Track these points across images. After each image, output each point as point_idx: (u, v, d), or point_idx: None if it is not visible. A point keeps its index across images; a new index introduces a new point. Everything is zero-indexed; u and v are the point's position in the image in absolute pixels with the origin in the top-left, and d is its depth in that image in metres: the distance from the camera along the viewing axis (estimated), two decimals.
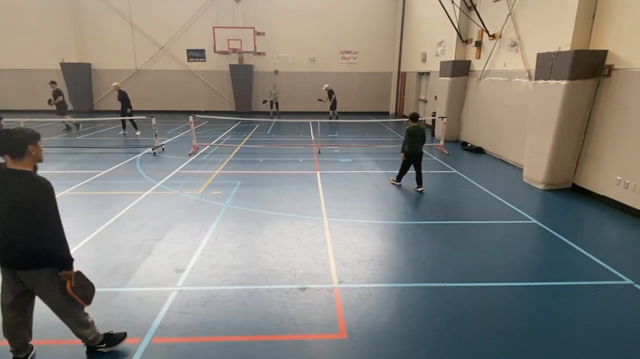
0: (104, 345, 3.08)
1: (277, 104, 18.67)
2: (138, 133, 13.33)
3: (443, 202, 7.24)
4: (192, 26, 19.18)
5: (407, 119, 8.01)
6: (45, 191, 2.51)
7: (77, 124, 14.67)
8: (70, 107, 19.37)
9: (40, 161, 2.64)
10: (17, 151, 2.48)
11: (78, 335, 3.00)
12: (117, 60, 19.31)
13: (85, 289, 2.91)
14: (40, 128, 14.30)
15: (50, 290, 2.74)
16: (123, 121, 13.32)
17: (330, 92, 17.72)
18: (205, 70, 19.87)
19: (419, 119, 7.50)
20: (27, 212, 2.48)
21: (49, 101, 13.78)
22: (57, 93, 13.93)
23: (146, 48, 19.34)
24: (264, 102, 18.58)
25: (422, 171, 7.50)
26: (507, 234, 5.62)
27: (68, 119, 14.27)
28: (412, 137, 7.27)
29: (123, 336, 3.18)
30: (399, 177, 7.80)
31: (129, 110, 13.22)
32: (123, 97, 13.15)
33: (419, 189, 7.48)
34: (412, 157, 7.38)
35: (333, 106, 17.79)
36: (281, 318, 3.57)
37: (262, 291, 4.02)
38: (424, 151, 7.55)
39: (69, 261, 2.70)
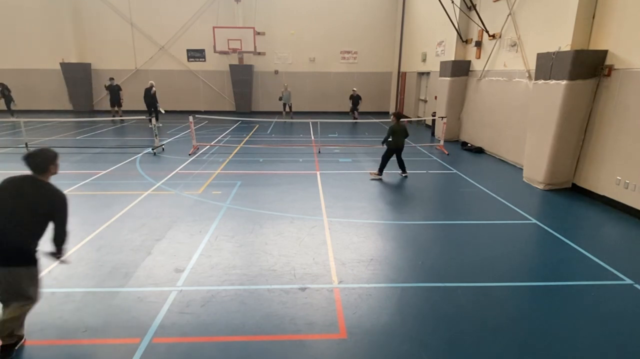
0: (17, 345, 3.08)
1: (290, 105, 18.36)
2: (157, 125, 14.13)
3: (443, 202, 7.25)
4: (192, 26, 19.18)
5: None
6: (62, 200, 3.06)
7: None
8: (69, 107, 19.44)
9: (55, 174, 3.11)
10: (40, 169, 3.03)
11: (11, 328, 3.01)
12: (117, 60, 19.31)
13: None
14: (39, 128, 14.32)
15: (32, 285, 3.02)
16: (152, 111, 14.84)
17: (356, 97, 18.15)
18: (205, 70, 19.86)
19: (402, 118, 8.38)
20: (43, 217, 2.99)
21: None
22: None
23: (146, 48, 19.33)
24: (280, 99, 18.51)
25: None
26: (507, 234, 5.62)
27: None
28: (395, 133, 8.09)
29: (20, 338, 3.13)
30: (381, 170, 8.27)
31: (157, 105, 15.04)
32: (152, 94, 14.78)
33: (404, 175, 8.38)
34: (395, 150, 8.23)
35: (355, 107, 18.15)
36: (281, 318, 3.57)
37: (262, 291, 4.02)
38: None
39: (64, 253, 3.18)
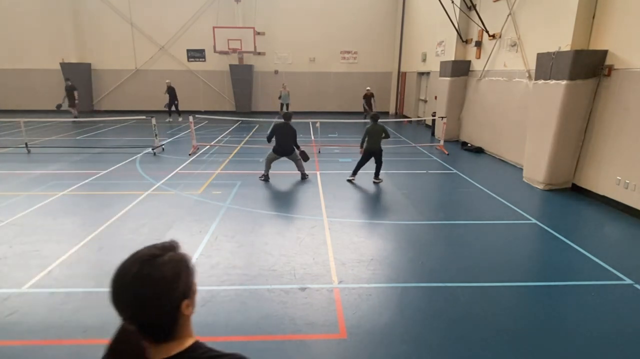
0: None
1: (287, 105, 18.01)
2: (172, 119, 16.63)
3: (443, 202, 7.25)
4: (192, 26, 19.17)
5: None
6: (294, 129, 8.00)
7: None
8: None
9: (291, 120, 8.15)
10: (289, 119, 8.05)
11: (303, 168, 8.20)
12: (117, 60, 19.31)
13: (305, 155, 8.32)
14: (39, 128, 14.32)
15: (298, 158, 8.11)
16: (169, 110, 16.95)
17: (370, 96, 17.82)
18: (205, 70, 19.86)
19: (379, 119, 7.90)
20: (293, 136, 7.98)
21: None
22: None
23: (146, 48, 19.33)
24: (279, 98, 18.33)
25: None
26: (507, 234, 5.62)
27: None
28: (370, 135, 7.72)
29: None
30: (355, 172, 7.99)
31: (175, 102, 16.95)
32: (171, 92, 16.73)
33: (376, 181, 7.92)
34: (371, 154, 7.82)
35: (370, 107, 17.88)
36: (281, 318, 3.57)
37: (262, 291, 4.02)
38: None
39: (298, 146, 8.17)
